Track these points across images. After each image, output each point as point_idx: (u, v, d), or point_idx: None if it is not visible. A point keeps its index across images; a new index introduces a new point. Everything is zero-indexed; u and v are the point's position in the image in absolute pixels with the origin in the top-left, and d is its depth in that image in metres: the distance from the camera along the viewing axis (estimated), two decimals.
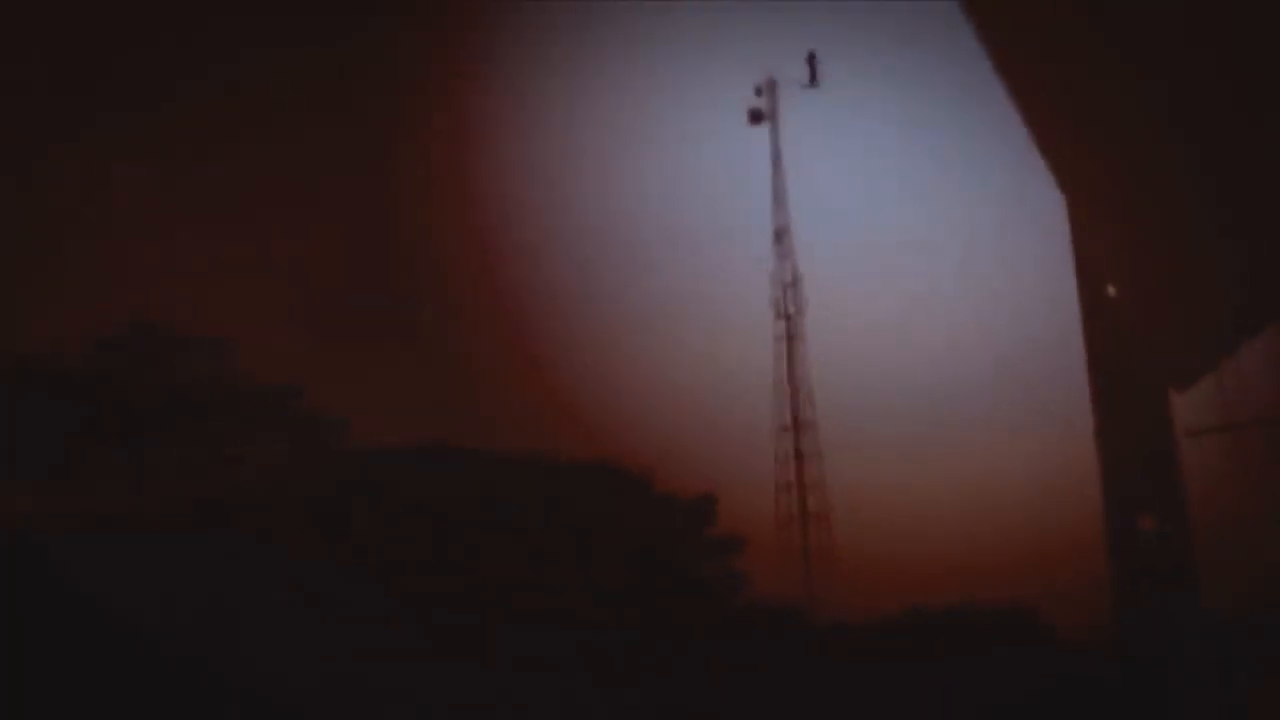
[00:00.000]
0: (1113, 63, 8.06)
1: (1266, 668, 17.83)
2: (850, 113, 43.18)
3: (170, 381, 19.42)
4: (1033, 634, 23.20)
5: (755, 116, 32.55)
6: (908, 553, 34.68)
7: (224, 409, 19.55)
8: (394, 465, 18.89)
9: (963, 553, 32.87)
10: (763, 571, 29.66)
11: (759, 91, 32.62)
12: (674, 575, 19.93)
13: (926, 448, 41.70)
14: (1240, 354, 14.54)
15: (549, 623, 15.77)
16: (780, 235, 32.91)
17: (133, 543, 16.32)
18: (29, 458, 18.50)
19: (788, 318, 32.46)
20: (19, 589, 14.95)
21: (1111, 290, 15.69)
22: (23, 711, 13.81)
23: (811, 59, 31.82)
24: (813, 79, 31.79)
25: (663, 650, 17.32)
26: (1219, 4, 7.05)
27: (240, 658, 15.32)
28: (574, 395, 35.48)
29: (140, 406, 19.04)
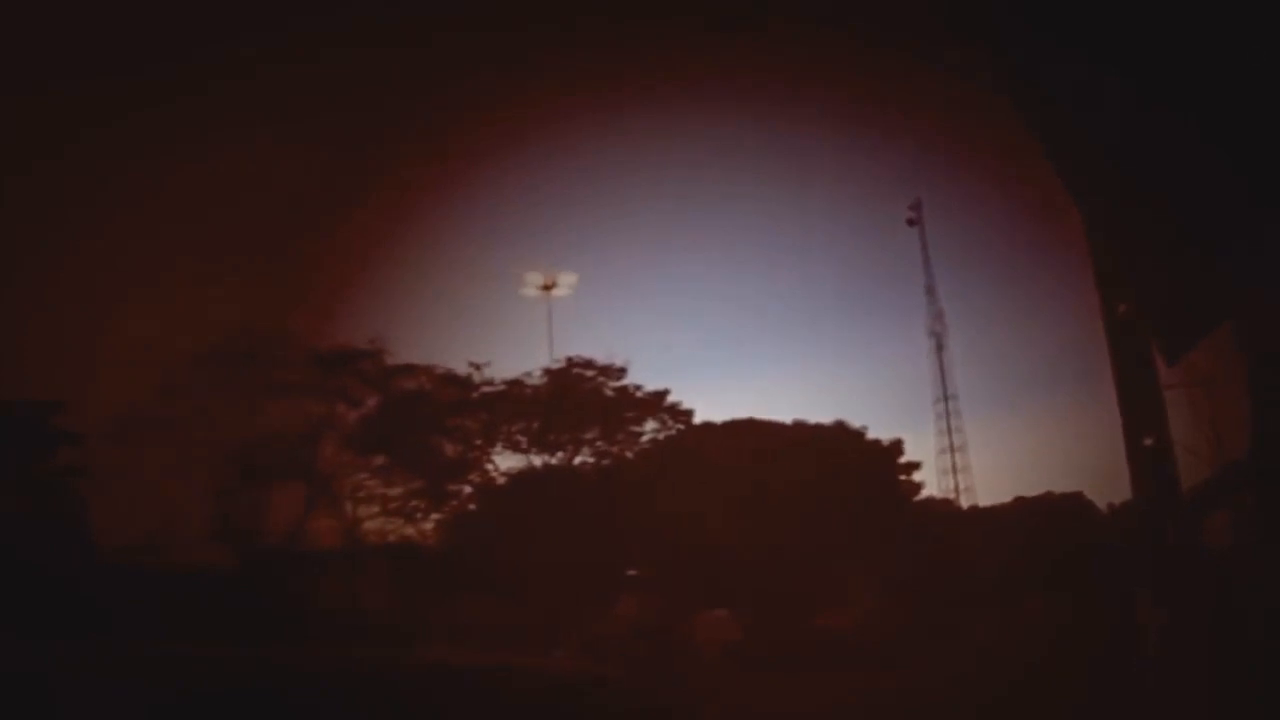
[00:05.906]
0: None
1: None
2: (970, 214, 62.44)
3: (590, 393, 34.22)
4: (1085, 509, 37.29)
5: (911, 221, 50.81)
6: (1014, 467, 55.97)
7: (625, 407, 34.24)
8: (715, 437, 33.72)
9: (1041, 469, 52.00)
10: (930, 481, 46.77)
11: (911, 206, 50.97)
12: (877, 485, 34.66)
13: (1024, 409, 62.84)
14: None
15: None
16: (930, 290, 52.08)
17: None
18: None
19: (937, 335, 49.96)
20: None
21: (1122, 308, 21.55)
22: None
23: (916, 205, 49.17)
24: (913, 221, 49.81)
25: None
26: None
27: None
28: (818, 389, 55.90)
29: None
